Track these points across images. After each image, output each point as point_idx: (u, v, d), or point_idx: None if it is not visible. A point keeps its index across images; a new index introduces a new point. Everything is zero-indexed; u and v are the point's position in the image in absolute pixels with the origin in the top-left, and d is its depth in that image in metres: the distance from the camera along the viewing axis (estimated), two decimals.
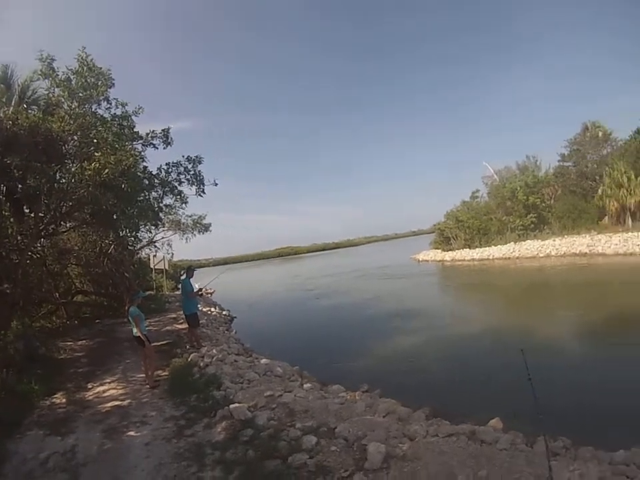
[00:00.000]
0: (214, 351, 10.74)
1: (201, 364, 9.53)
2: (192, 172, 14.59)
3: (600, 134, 39.96)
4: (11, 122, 9.85)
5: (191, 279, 11.82)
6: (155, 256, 25.93)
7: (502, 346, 11.21)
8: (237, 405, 6.74)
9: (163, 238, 27.96)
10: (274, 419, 6.32)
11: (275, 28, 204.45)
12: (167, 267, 27.66)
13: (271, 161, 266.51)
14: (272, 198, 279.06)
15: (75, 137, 11.21)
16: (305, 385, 8.50)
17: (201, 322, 13.42)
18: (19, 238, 11.63)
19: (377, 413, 6.72)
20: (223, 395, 7.42)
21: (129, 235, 18.07)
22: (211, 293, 29.31)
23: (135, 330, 8.71)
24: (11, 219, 11.90)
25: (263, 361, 10.35)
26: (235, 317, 21.30)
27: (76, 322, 16.47)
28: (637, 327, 11.83)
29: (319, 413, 6.46)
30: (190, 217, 28.02)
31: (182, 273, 33.91)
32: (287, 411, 6.59)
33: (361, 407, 6.89)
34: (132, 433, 6.35)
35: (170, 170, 14.51)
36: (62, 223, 13.86)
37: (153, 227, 19.65)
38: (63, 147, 10.98)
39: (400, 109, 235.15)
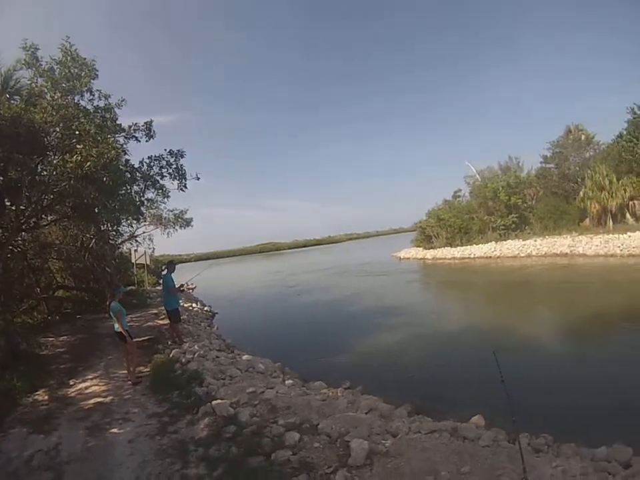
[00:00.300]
0: (196, 347, 10.72)
1: (183, 360, 9.48)
2: (174, 166, 14.36)
3: (583, 137, 40.39)
4: None
5: (172, 274, 11.74)
6: (136, 250, 25.67)
7: (482, 343, 11.28)
8: (219, 401, 6.73)
9: (144, 232, 27.73)
10: (256, 415, 6.33)
11: (264, 26, 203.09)
12: (148, 262, 27.40)
13: (252, 156, 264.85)
14: (252, 194, 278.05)
15: (57, 129, 11.05)
16: (286, 382, 8.52)
17: (182, 318, 13.34)
18: None
19: (359, 409, 6.78)
20: (205, 392, 7.40)
21: (110, 229, 17.91)
22: (192, 289, 29.14)
23: (116, 325, 8.64)
24: None
25: (245, 357, 10.39)
26: (217, 313, 21.26)
27: (57, 317, 16.30)
28: (614, 325, 12.09)
29: (301, 410, 6.48)
30: (171, 211, 27.82)
31: (163, 268, 33.73)
32: (269, 408, 6.60)
33: (343, 404, 6.93)
34: (115, 430, 6.30)
35: (152, 163, 14.28)
36: (43, 216, 13.68)
37: (135, 221, 19.47)
38: (45, 139, 10.83)
39: (383, 108, 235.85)
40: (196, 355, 9.85)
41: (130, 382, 8.45)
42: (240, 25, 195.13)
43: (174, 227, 28.41)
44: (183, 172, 14.42)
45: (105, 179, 11.26)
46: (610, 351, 10.14)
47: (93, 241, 18.01)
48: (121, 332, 8.57)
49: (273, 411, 6.45)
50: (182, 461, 5.18)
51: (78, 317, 16.84)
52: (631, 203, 33.14)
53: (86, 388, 8.40)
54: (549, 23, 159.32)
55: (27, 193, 11.51)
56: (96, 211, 13.06)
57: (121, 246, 24.84)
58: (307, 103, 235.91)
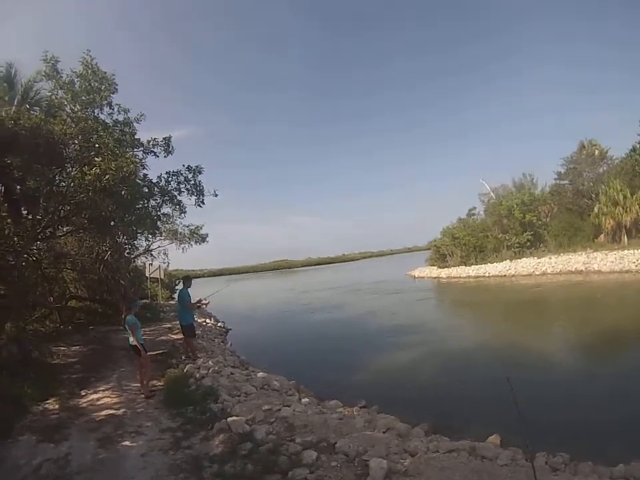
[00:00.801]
0: (210, 362, 10.66)
1: (197, 375, 9.42)
2: (192, 182, 14.45)
3: (596, 152, 40.33)
4: (12, 121, 9.80)
5: (188, 289, 11.69)
6: (151, 264, 25.78)
7: (494, 361, 11.44)
8: (234, 418, 6.63)
9: (159, 247, 27.83)
10: (273, 433, 6.22)
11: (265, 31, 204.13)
12: (162, 276, 27.45)
13: (265, 173, 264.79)
14: (265, 209, 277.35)
15: (76, 141, 11.16)
16: (303, 400, 8.43)
17: (196, 333, 13.27)
18: (15, 239, 11.50)
19: (376, 428, 6.69)
20: (220, 408, 7.30)
21: (125, 242, 17.99)
22: (206, 304, 29.13)
23: (131, 339, 8.59)
24: (8, 220, 11.78)
25: (260, 374, 10.27)
26: (230, 329, 21.18)
27: (69, 327, 16.29)
28: (627, 342, 12.13)
29: (318, 428, 6.36)
30: (187, 226, 27.92)
31: (177, 282, 33.79)
32: (286, 426, 6.49)
33: (360, 423, 6.84)
34: (127, 443, 6.20)
35: (170, 179, 14.38)
36: (59, 226, 13.76)
37: (150, 236, 19.53)
38: (64, 151, 10.92)
39: (387, 123, 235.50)
40: (210, 371, 9.78)
41: (143, 395, 8.39)
42: (240, 29, 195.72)
43: (189, 243, 28.51)
44: (201, 188, 14.47)
45: (123, 192, 11.33)
46: (621, 367, 10.18)
47: (108, 253, 18.10)
48: (135, 345, 8.53)
49: (290, 429, 6.34)
50: (196, 477, 5.07)
51: (90, 327, 16.89)
52: None
53: (98, 399, 8.33)
54: (548, 33, 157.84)
55: (44, 203, 11.59)
56: (112, 223, 13.10)
57: (136, 259, 24.93)
58: (322, 115, 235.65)
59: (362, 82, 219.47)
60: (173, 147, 14.15)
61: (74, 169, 11.55)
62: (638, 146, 35.21)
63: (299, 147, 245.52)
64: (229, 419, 6.57)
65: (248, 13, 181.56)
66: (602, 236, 35.13)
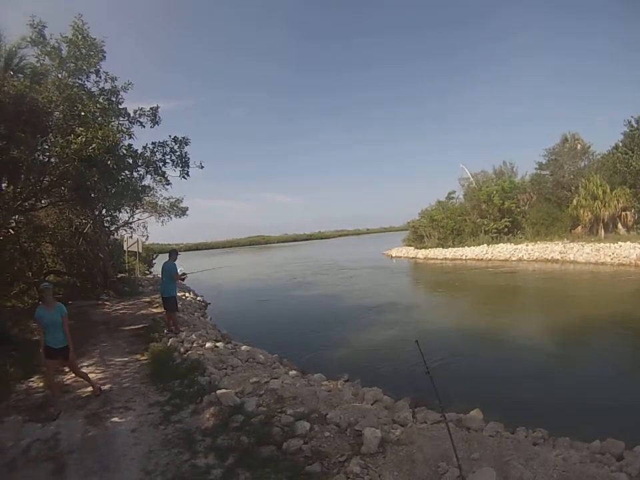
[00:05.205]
0: (193, 336, 10.60)
1: (181, 349, 9.34)
2: (178, 153, 13.99)
3: (579, 146, 41.04)
4: None
5: (174, 262, 11.56)
6: (130, 237, 25.45)
7: (470, 340, 11.85)
8: (223, 390, 6.62)
9: (139, 220, 27.49)
10: (263, 405, 6.25)
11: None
12: (140, 250, 27.14)
13: (239, 148, 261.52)
14: (240, 185, 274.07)
15: (60, 109, 10.86)
16: (290, 372, 8.53)
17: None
18: None
19: (364, 400, 6.85)
20: (208, 381, 7.28)
21: (105, 214, 17.66)
22: (184, 279, 28.91)
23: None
24: None
25: (244, 347, 10.29)
26: (209, 303, 21.18)
27: None
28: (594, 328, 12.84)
29: (308, 400, 6.42)
30: (167, 199, 27.59)
31: (154, 256, 33.47)
32: (276, 397, 6.52)
33: (347, 395, 6.98)
34: (116, 419, 6.14)
35: (155, 150, 13.90)
36: (40, 199, 13.41)
37: (132, 208, 19.19)
38: (48, 119, 10.61)
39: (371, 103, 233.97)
40: (194, 344, 9.74)
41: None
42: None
43: (169, 215, 28.21)
44: (187, 159, 14.11)
45: (109, 162, 11.06)
46: (596, 352, 10.81)
47: (88, 225, 17.76)
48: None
49: (280, 401, 6.37)
50: (190, 451, 5.07)
51: (69, 302, 16.52)
52: (623, 213, 33.64)
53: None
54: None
55: (25, 174, 11.26)
56: (94, 195, 12.78)
57: (115, 232, 24.56)
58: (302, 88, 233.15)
59: (345, 55, 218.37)
60: (160, 117, 13.79)
61: (57, 138, 11.20)
62: (620, 144, 35.65)
63: (276, 122, 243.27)
64: (218, 392, 6.55)
65: None
66: (579, 228, 35.70)
